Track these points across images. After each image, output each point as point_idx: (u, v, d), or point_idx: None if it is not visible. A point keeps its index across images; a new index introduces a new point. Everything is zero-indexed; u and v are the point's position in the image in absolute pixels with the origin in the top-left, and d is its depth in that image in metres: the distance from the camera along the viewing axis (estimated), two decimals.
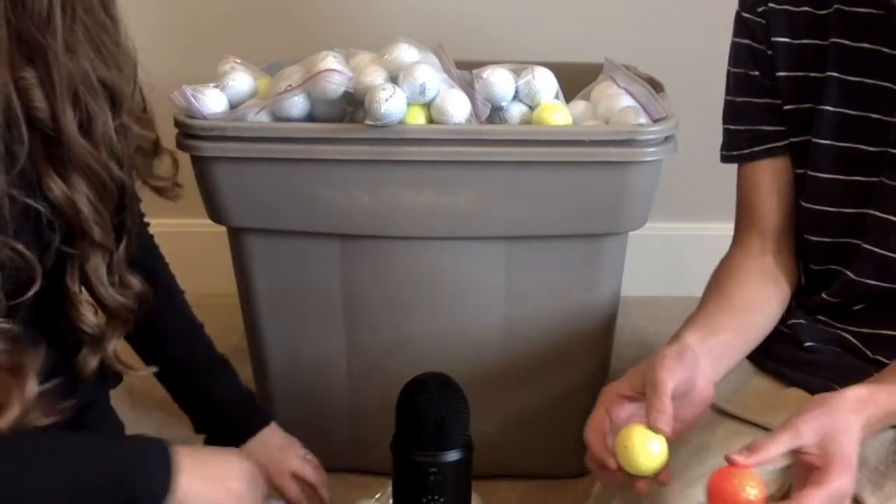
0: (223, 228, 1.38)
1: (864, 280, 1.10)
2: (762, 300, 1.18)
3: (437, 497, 1.04)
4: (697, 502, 1.09)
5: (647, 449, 0.95)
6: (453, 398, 1.04)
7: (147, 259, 1.13)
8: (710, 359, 1.06)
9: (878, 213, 1.09)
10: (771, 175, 1.20)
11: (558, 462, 1.51)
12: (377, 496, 1.35)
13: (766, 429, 1.15)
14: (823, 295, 1.14)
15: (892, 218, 1.07)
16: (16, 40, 0.87)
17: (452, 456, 1.04)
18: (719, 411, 1.16)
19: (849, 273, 1.11)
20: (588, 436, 1.00)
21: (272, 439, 1.22)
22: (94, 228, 0.95)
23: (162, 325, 1.16)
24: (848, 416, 0.96)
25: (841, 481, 0.93)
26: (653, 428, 0.95)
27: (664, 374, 0.98)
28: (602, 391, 1.04)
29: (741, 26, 1.19)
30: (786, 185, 1.20)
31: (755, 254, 1.21)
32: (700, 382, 1.03)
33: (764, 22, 1.16)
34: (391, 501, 1.09)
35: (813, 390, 1.15)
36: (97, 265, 0.97)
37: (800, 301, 1.18)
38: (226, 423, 1.21)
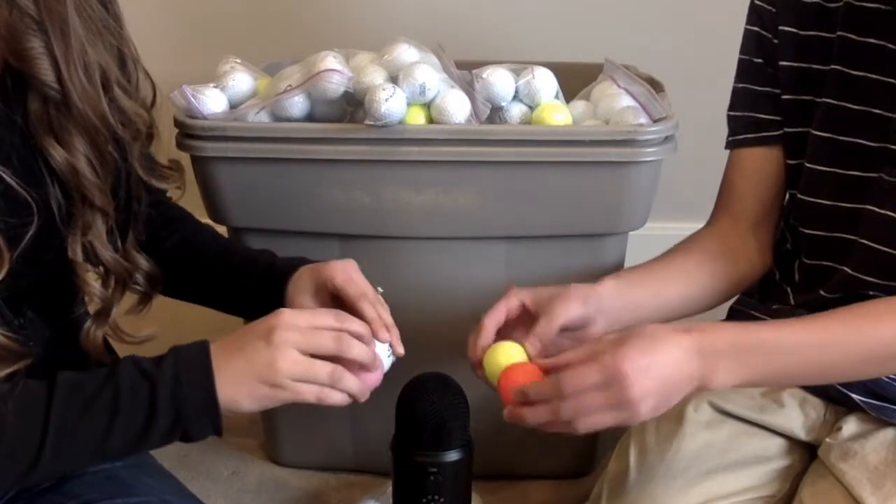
0: (223, 228, 1.38)
1: (862, 276, 1.10)
2: (702, 274, 1.20)
3: (437, 497, 1.04)
4: (698, 502, 1.09)
5: (507, 357, 1.02)
6: (453, 398, 1.04)
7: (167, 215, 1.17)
8: (615, 310, 1.11)
9: (876, 209, 1.09)
10: (758, 162, 1.22)
11: (559, 462, 1.51)
12: (377, 496, 1.35)
13: (767, 428, 1.16)
14: (821, 292, 1.14)
15: (891, 214, 1.07)
16: (21, 12, 0.88)
17: (452, 456, 1.04)
18: (720, 411, 1.16)
19: (845, 269, 1.11)
20: (483, 320, 1.08)
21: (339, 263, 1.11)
22: (95, 193, 0.96)
23: (193, 241, 1.18)
24: (661, 331, 0.96)
25: (614, 359, 0.93)
26: (524, 346, 1.03)
27: (562, 310, 1.07)
28: (510, 290, 1.11)
29: (753, 13, 1.21)
30: (772, 174, 1.21)
31: (722, 233, 1.23)
32: (595, 327, 1.10)
33: (774, 10, 1.17)
34: (391, 501, 1.09)
35: (812, 388, 1.16)
36: (99, 231, 0.98)
37: (797, 299, 1.18)
38: (283, 270, 1.14)
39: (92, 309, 1.03)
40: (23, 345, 0.92)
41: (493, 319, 1.09)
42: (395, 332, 1.04)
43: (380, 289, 1.07)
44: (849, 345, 1.00)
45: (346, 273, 1.07)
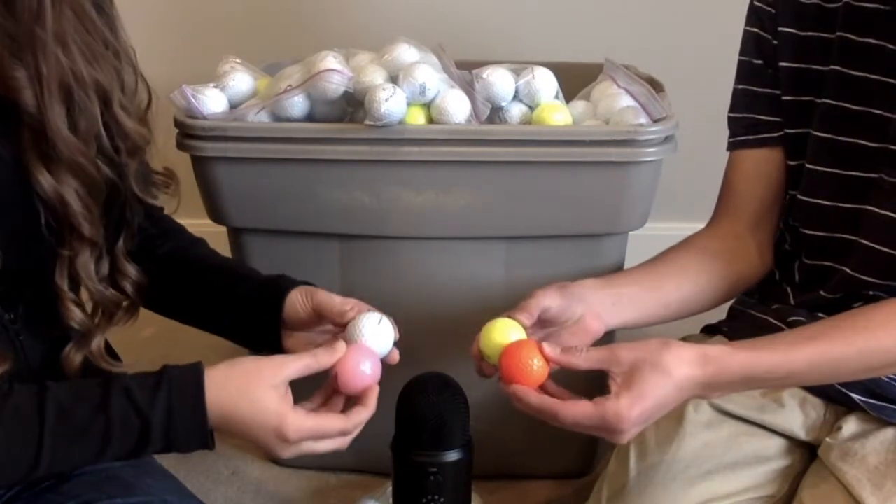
0: (223, 228, 1.38)
1: (861, 277, 1.10)
2: (701, 274, 1.20)
3: (437, 497, 1.04)
4: (698, 502, 1.09)
5: (504, 333, 1.03)
6: (453, 399, 1.04)
7: (162, 229, 1.16)
8: (605, 303, 1.13)
9: (876, 210, 1.09)
10: (759, 164, 1.22)
11: (559, 462, 1.51)
12: (377, 496, 1.35)
13: (767, 428, 1.16)
14: (821, 292, 1.14)
15: (891, 214, 1.07)
16: (6, 39, 0.88)
17: (452, 456, 1.04)
18: (720, 411, 1.16)
19: (845, 269, 1.11)
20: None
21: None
22: (83, 224, 0.95)
23: (187, 255, 1.17)
24: (676, 364, 0.97)
25: (618, 412, 0.95)
26: (514, 318, 1.05)
27: (538, 292, 1.10)
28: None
29: (752, 14, 1.21)
30: (772, 175, 1.21)
31: (721, 234, 1.23)
32: (587, 318, 1.11)
33: (773, 11, 1.17)
34: (391, 501, 1.09)
35: (812, 388, 1.16)
36: (86, 261, 0.98)
37: (797, 299, 1.18)
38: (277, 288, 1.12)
39: (75, 332, 1.02)
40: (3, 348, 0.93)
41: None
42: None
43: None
44: (849, 360, 1.01)
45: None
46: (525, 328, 1.05)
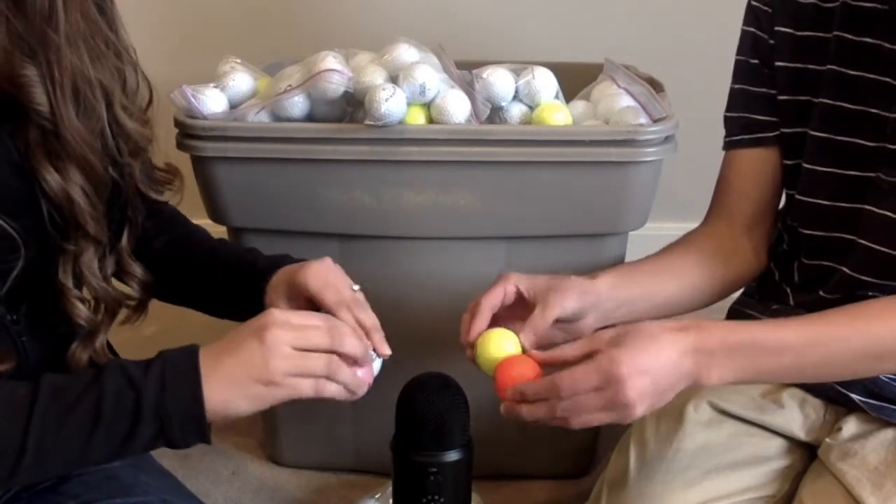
0: (223, 228, 1.38)
1: (860, 277, 1.10)
2: (696, 274, 1.20)
3: (437, 497, 1.04)
4: (698, 502, 1.09)
5: (499, 346, 1.04)
6: (453, 398, 1.04)
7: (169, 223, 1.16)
8: (610, 306, 1.13)
9: (874, 209, 1.09)
10: (754, 163, 1.22)
11: (559, 462, 1.51)
12: (377, 496, 1.35)
13: (767, 429, 1.16)
14: (821, 292, 1.14)
15: (889, 214, 1.07)
16: (16, 38, 0.88)
17: (452, 456, 1.04)
18: (720, 411, 1.16)
19: (844, 269, 1.11)
20: (480, 302, 1.09)
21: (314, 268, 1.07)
22: (89, 221, 0.96)
23: (187, 242, 1.17)
24: (657, 328, 0.97)
25: (611, 357, 0.94)
26: (517, 336, 1.05)
27: (558, 303, 1.08)
28: (506, 275, 1.11)
29: (749, 14, 1.21)
30: (768, 175, 1.21)
31: (716, 234, 1.23)
32: (587, 320, 1.11)
33: (770, 11, 1.17)
34: (391, 501, 1.09)
35: (811, 388, 1.16)
36: (90, 259, 0.98)
37: (797, 299, 1.18)
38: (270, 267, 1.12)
39: (79, 331, 1.01)
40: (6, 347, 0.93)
41: (490, 303, 1.09)
42: (379, 334, 1.02)
43: (356, 287, 1.06)
44: (843, 343, 0.99)
45: (321, 278, 1.04)
46: (523, 347, 1.05)
